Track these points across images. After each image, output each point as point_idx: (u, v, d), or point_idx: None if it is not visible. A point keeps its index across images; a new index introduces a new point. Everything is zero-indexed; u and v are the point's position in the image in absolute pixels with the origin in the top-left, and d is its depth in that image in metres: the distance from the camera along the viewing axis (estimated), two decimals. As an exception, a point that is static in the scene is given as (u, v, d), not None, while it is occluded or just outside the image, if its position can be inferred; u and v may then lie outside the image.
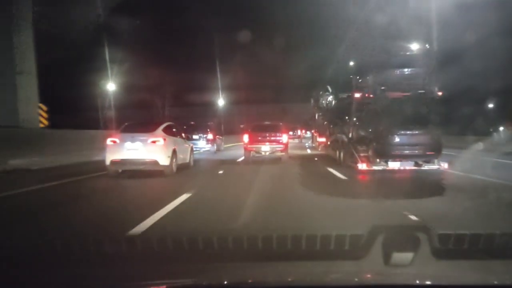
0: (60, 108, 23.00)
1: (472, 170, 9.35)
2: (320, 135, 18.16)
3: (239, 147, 18.67)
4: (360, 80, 10.63)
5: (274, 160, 13.93)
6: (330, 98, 15.25)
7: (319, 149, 18.22)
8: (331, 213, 5.18)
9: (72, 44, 22.65)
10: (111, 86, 23.96)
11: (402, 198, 6.28)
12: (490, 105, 29.73)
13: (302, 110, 32.60)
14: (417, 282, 2.00)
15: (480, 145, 14.87)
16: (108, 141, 9.12)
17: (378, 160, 9.09)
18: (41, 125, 15.66)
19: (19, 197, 6.62)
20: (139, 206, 5.71)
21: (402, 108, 9.22)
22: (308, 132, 35.64)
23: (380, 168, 9.10)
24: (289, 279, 2.15)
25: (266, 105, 37.61)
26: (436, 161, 9.14)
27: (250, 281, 2.10)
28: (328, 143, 15.09)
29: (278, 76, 39.69)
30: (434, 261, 2.58)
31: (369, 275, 2.25)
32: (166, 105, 34.93)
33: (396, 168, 9.09)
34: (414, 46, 9.73)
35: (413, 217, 4.71)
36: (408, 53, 9.76)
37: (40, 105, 15.85)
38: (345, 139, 11.07)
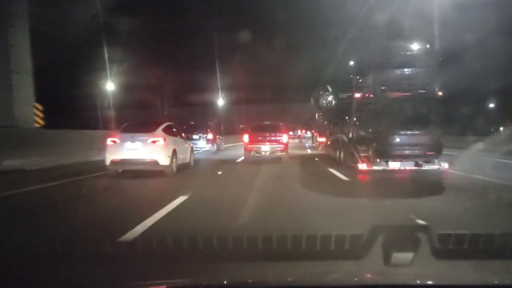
0: (59, 108, 23.04)
1: (472, 170, 9.34)
2: (320, 135, 18.16)
3: (239, 147, 18.67)
4: (360, 80, 10.63)
5: (274, 160, 13.93)
6: (330, 98, 15.24)
7: (319, 149, 18.22)
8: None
9: (72, 44, 22.66)
10: (110, 86, 23.95)
11: (403, 198, 6.26)
12: (491, 105, 29.75)
13: (302, 110, 32.61)
14: (417, 282, 2.00)
15: (480, 145, 14.86)
16: (108, 141, 9.12)
17: (378, 160, 9.09)
18: (37, 125, 15.42)
19: (8, 199, 6.39)
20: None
21: (402, 108, 9.21)
22: (308, 132, 35.66)
23: (381, 168, 9.09)
24: (289, 279, 2.15)
25: (266, 105, 37.68)
26: (436, 161, 9.13)
27: (250, 281, 2.10)
28: (328, 143, 15.09)
29: (278, 76, 39.76)
30: (434, 261, 2.58)
31: (369, 275, 2.25)
32: (166, 105, 34.95)
33: (397, 168, 9.09)
34: (414, 46, 9.71)
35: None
36: (408, 53, 9.74)
37: (36, 104, 15.60)
38: (345, 139, 11.07)
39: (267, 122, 15.31)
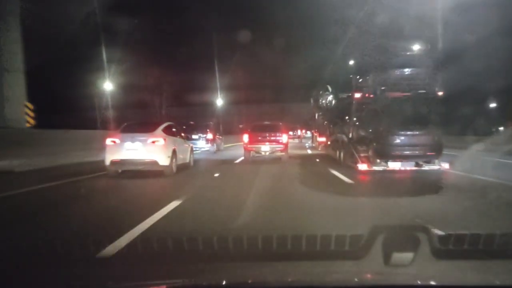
0: (57, 107, 23.02)
1: (472, 170, 9.34)
2: (320, 135, 18.17)
3: (239, 147, 18.66)
4: (360, 80, 10.63)
5: (274, 160, 13.93)
6: (330, 98, 15.25)
7: (319, 149, 18.23)
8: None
9: (70, 43, 22.61)
10: (108, 86, 23.87)
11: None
12: (491, 105, 29.76)
13: (302, 110, 32.59)
14: (418, 282, 1.99)
15: (480, 145, 14.86)
16: (108, 141, 9.10)
17: (378, 160, 9.08)
18: (28, 125, 14.80)
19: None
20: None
21: (403, 108, 9.21)
22: (308, 132, 35.68)
23: (381, 169, 9.08)
24: (289, 279, 2.15)
25: (266, 105, 37.62)
26: (436, 161, 9.13)
27: (250, 281, 2.10)
28: (328, 143, 15.10)
29: (278, 76, 39.74)
30: (435, 261, 2.58)
31: (369, 275, 2.25)
32: (165, 105, 34.92)
33: (397, 168, 9.08)
34: (415, 46, 9.72)
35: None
36: (408, 53, 9.75)
37: (27, 104, 15.05)
38: (345, 139, 11.07)
39: (267, 122, 15.31)
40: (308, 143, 29.77)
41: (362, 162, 9.15)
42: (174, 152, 9.47)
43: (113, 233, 3.84)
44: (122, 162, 8.97)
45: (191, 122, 20.94)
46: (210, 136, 20.27)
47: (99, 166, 9.57)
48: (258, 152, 13.91)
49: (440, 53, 9.76)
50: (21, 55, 15.24)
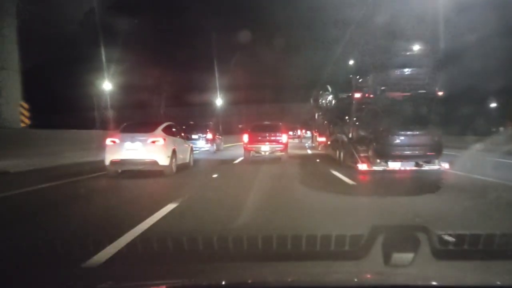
0: (57, 107, 23.00)
1: (472, 170, 9.34)
2: (320, 135, 18.17)
3: (239, 147, 18.66)
4: (360, 80, 10.62)
5: (274, 160, 13.93)
6: (330, 98, 15.26)
7: (319, 149, 18.23)
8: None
9: (69, 43, 22.61)
10: (107, 86, 23.81)
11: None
12: (492, 105, 29.75)
13: (302, 110, 32.61)
14: (418, 282, 1.99)
15: (480, 145, 14.87)
16: (108, 141, 9.10)
17: (378, 160, 9.07)
18: (23, 125, 14.49)
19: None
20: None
21: (403, 108, 9.21)
22: (308, 132, 35.67)
23: (381, 169, 9.08)
24: (289, 280, 2.15)
25: (266, 105, 37.63)
26: (436, 161, 9.12)
27: (250, 281, 2.10)
28: (328, 143, 15.09)
29: (278, 76, 39.71)
30: (435, 261, 2.58)
31: (369, 276, 2.25)
32: (165, 105, 34.90)
33: (397, 168, 9.07)
34: (415, 46, 9.71)
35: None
36: (408, 53, 9.73)
37: (22, 103, 14.71)
38: (345, 139, 11.07)
39: (266, 122, 15.32)
40: (308, 143, 29.76)
41: (362, 162, 9.14)
42: (174, 152, 9.46)
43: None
44: (122, 162, 8.96)
45: (191, 122, 20.95)
46: (210, 136, 20.27)
47: (99, 166, 9.56)
48: (258, 152, 13.91)
49: (440, 53, 9.76)
50: (17, 54, 15.02)
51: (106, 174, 9.11)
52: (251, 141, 13.82)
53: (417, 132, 8.91)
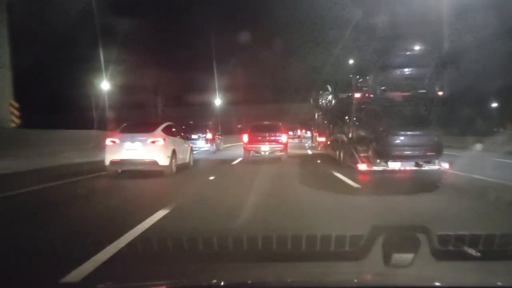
0: (56, 107, 22.98)
1: (472, 170, 9.34)
2: (320, 135, 18.17)
3: (238, 147, 18.66)
4: (360, 80, 10.62)
5: (273, 160, 13.93)
6: (330, 98, 15.25)
7: (319, 149, 18.22)
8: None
9: (68, 43, 22.56)
10: (106, 86, 23.77)
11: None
12: (492, 105, 29.76)
13: (301, 110, 32.60)
14: (417, 283, 1.99)
15: (480, 145, 14.88)
16: (108, 141, 9.11)
17: (378, 160, 9.07)
18: (13, 125, 14.02)
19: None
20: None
21: (403, 108, 9.20)
22: (308, 132, 35.66)
23: (381, 169, 9.07)
24: (289, 280, 2.15)
25: (266, 105, 37.60)
26: (436, 161, 9.11)
27: (250, 281, 2.10)
28: (328, 143, 15.08)
29: (278, 76, 39.74)
30: (435, 262, 2.58)
31: (369, 276, 2.25)
32: (165, 105, 34.90)
33: (397, 168, 9.06)
34: (415, 46, 9.70)
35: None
36: (408, 53, 9.73)
37: (12, 102, 14.19)
38: (345, 139, 11.07)
39: (266, 122, 15.32)
40: (308, 143, 29.76)
41: (362, 162, 9.13)
42: (173, 152, 9.46)
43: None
44: (122, 162, 8.96)
45: (191, 122, 20.96)
46: (209, 136, 20.28)
47: (99, 166, 9.56)
48: (257, 152, 13.91)
49: (441, 53, 9.75)
50: (8, 51, 14.51)
51: (106, 174, 9.12)
52: (250, 141, 13.82)
53: (417, 132, 8.90)
